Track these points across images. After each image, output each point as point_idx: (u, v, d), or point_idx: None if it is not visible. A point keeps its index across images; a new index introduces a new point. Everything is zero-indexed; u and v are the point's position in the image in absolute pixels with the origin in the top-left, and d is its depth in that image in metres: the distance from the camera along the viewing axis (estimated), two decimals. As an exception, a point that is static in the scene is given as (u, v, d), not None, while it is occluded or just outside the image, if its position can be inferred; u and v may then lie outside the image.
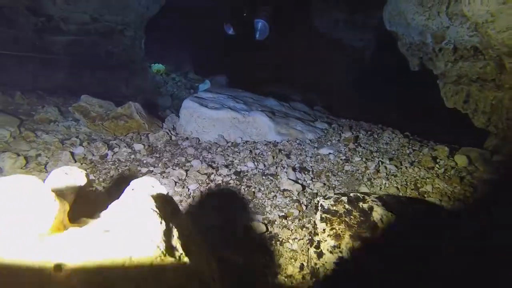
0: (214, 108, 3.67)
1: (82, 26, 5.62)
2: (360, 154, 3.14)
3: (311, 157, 3.11)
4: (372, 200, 1.89)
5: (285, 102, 4.78)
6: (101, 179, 2.70)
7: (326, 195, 2.05)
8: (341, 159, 3.03)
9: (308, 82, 8.30)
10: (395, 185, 2.61)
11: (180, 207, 2.33)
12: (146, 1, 6.05)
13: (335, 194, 2.05)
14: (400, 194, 2.47)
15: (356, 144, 3.32)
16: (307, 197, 2.49)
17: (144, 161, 3.01)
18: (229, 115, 3.58)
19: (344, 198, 1.93)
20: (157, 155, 3.14)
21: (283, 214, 2.29)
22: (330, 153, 3.14)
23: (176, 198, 2.42)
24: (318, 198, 2.02)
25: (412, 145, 3.42)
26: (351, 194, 1.97)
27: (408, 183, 2.61)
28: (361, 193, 2.02)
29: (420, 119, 7.07)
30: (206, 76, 8.42)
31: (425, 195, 2.45)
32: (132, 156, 3.07)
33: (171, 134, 3.57)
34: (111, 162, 2.95)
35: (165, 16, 9.90)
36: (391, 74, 7.90)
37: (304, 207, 2.36)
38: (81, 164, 2.89)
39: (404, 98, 7.80)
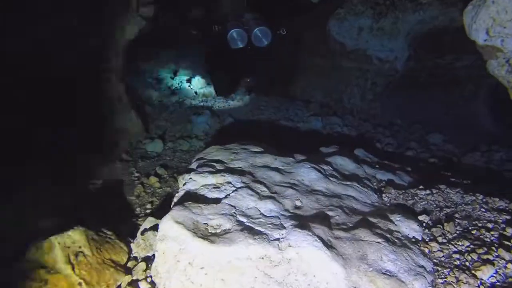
0: (219, 234, 1.67)
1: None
2: None
3: None
4: None
5: (324, 164, 2.79)
6: None
7: None
8: None
9: (326, 100, 6.29)
10: None
11: None
12: (120, 22, 4.00)
13: None
14: None
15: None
16: None
17: None
18: (252, 253, 1.58)
19: None
20: None
21: None
22: None
23: None
24: None
25: None
26: None
27: None
28: None
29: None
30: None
31: None
32: None
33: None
34: None
35: (152, 34, 7.83)
36: (431, 89, 5.90)
37: None
38: None
39: (448, 118, 5.82)
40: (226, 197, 1.99)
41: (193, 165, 2.52)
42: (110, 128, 4.47)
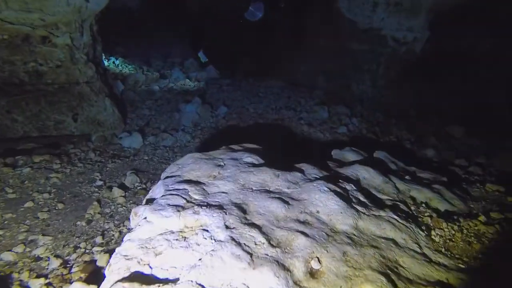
0: None
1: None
2: None
3: None
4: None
5: (345, 181, 1.89)
6: None
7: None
8: None
9: (332, 87, 5.32)
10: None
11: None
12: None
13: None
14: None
15: None
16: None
17: None
18: None
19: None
20: None
21: None
22: None
23: None
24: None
25: None
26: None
27: None
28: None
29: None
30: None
31: None
32: None
33: None
34: None
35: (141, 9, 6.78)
36: (447, 75, 4.94)
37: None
38: None
39: (466, 107, 4.89)
40: (194, 266, 1.09)
41: (157, 190, 1.61)
42: (84, 116, 3.55)
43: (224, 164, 1.86)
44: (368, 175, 2.07)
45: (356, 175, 2.05)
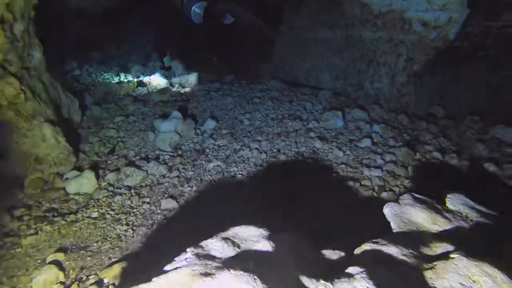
0: None
1: None
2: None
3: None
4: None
5: None
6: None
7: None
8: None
9: (340, 86, 4.08)
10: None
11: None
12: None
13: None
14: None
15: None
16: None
17: None
18: None
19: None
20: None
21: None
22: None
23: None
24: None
25: None
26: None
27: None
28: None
29: None
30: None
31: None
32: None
33: None
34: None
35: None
36: (473, 65, 3.73)
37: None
38: None
39: (498, 102, 3.69)
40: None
41: None
42: (14, 151, 2.31)
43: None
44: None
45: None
